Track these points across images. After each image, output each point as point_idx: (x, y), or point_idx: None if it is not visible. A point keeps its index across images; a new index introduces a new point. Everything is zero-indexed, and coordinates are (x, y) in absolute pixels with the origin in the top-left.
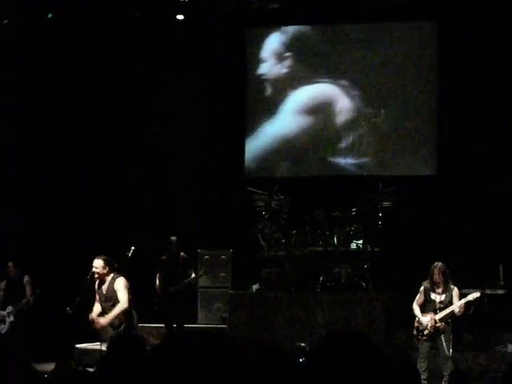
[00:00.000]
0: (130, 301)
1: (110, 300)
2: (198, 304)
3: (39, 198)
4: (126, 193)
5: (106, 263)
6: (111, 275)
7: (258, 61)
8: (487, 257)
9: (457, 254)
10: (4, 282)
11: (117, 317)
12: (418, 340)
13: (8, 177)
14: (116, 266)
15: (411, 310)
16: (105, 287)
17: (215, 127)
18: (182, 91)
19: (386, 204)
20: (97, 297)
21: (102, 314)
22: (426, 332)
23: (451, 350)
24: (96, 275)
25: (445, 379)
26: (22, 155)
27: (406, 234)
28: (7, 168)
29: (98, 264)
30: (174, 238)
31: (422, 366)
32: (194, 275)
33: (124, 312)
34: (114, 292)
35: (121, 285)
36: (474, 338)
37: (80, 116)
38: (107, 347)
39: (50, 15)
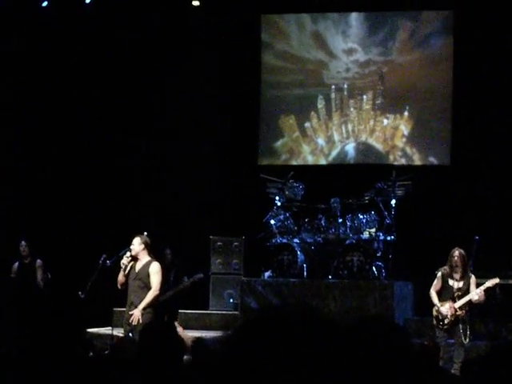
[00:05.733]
0: (162, 286)
1: (140, 280)
2: (210, 290)
3: (52, 182)
4: (140, 180)
5: (143, 241)
6: (148, 257)
7: (272, 47)
8: (499, 247)
9: (469, 244)
10: (16, 265)
11: (149, 303)
12: (439, 329)
13: (21, 159)
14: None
15: (428, 296)
16: (138, 266)
17: (229, 113)
18: (196, 77)
19: (399, 193)
20: (125, 271)
21: (125, 286)
22: (446, 321)
23: (468, 339)
24: (131, 252)
25: (455, 367)
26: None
27: (418, 223)
28: (25, 153)
29: (136, 241)
30: (168, 251)
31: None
32: (186, 280)
33: (155, 297)
34: (147, 275)
35: (155, 269)
36: (487, 328)
37: (93, 103)
38: (140, 335)
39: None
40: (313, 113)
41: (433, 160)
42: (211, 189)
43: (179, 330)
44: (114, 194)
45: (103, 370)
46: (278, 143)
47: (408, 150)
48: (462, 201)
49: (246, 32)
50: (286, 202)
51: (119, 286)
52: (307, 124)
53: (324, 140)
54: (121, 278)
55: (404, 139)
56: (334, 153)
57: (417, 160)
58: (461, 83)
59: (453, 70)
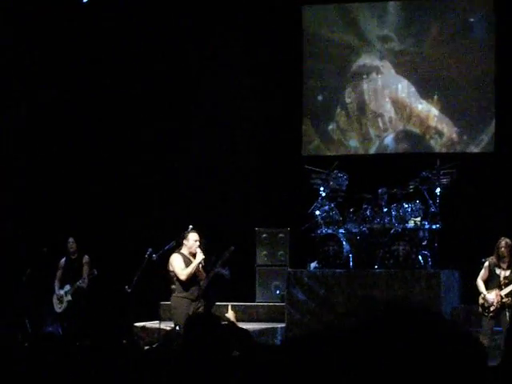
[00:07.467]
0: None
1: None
2: (256, 282)
3: (99, 178)
4: (182, 172)
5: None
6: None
7: (314, 37)
8: None
9: None
10: (63, 260)
11: (200, 272)
12: (484, 316)
13: (69, 156)
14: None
15: (475, 285)
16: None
17: (272, 105)
18: (238, 67)
19: (444, 181)
20: (182, 261)
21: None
22: (492, 309)
23: None
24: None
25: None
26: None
27: (463, 211)
28: (69, 148)
29: (197, 236)
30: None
31: (483, 342)
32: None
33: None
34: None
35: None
36: None
37: (136, 94)
38: (185, 326)
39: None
40: (339, 110)
41: (476, 148)
42: (256, 181)
43: (230, 314)
44: (158, 187)
45: (152, 363)
46: None
47: (439, 126)
48: (507, 188)
49: (288, 20)
50: (331, 193)
51: (186, 277)
52: (332, 126)
53: (358, 140)
54: (194, 271)
55: (435, 119)
56: (372, 150)
57: (447, 133)
58: (504, 70)
59: (495, 57)
